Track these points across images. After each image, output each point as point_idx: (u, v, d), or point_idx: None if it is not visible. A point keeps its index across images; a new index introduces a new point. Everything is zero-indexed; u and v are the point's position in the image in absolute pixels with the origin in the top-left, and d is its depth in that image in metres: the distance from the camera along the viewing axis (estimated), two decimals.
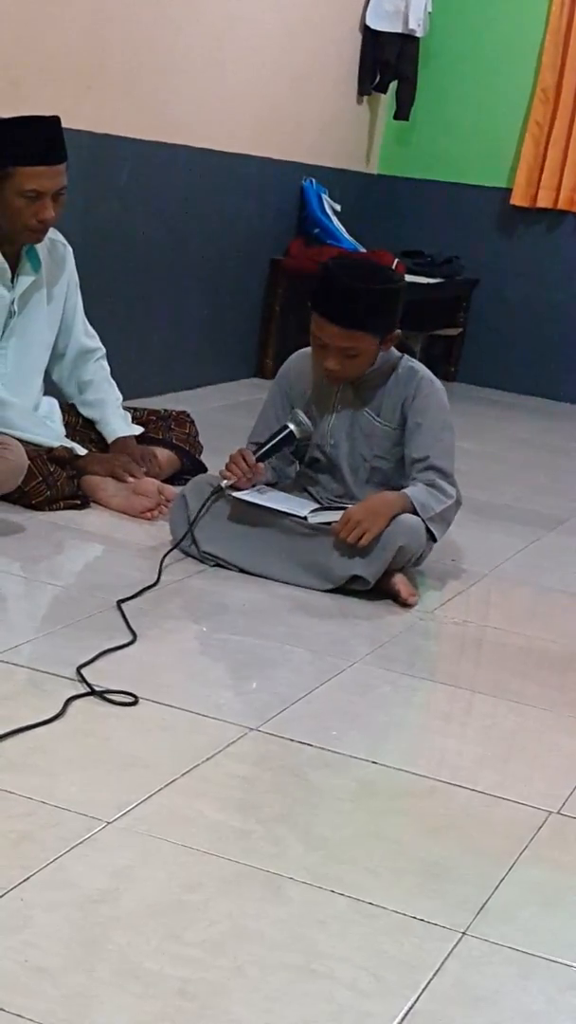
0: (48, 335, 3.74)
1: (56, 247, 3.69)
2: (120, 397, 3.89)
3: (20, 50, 4.21)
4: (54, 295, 3.71)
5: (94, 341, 3.86)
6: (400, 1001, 1.63)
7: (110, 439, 3.80)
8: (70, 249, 3.74)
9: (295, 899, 1.83)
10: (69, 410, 3.87)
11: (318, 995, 1.62)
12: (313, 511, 3.23)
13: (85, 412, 3.87)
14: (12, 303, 3.60)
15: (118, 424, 3.82)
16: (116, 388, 3.88)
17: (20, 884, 1.76)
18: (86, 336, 3.84)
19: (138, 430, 3.85)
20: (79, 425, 3.85)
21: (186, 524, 3.25)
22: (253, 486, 3.27)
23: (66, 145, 3.47)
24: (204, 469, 3.83)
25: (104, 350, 3.89)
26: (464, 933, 1.79)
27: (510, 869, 1.98)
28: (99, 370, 3.86)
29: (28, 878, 1.77)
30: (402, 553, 3.12)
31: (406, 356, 3.32)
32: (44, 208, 3.44)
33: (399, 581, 3.14)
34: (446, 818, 2.13)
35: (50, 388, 3.84)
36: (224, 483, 3.24)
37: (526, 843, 2.06)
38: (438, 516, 3.21)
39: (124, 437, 3.79)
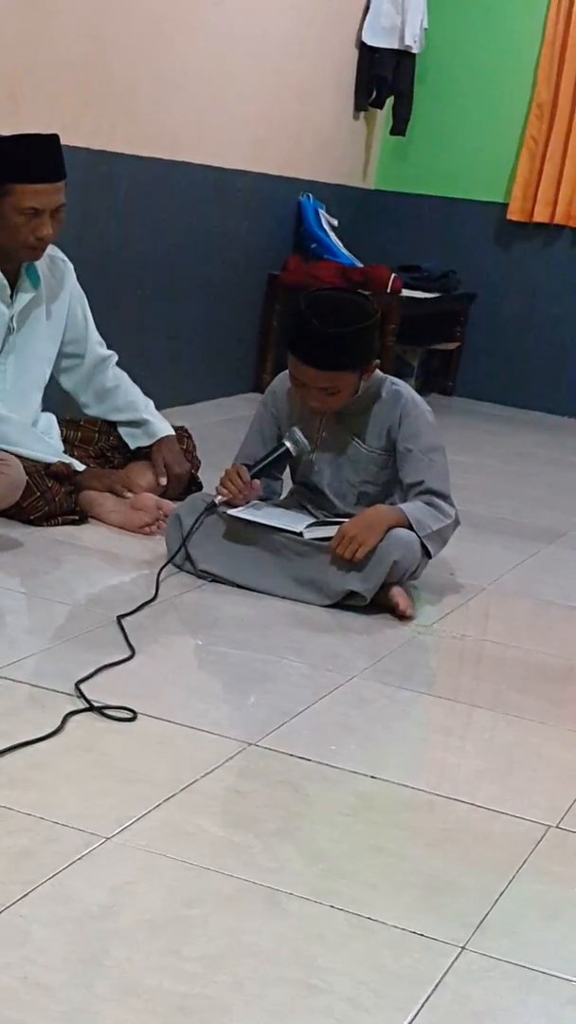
0: (48, 351, 3.74)
1: (56, 263, 3.70)
2: (150, 400, 3.91)
3: (18, 66, 4.23)
4: (53, 311, 3.72)
5: (104, 349, 3.88)
6: (400, 1016, 1.63)
7: (154, 438, 3.82)
8: (70, 265, 3.75)
9: (294, 914, 1.83)
10: (67, 425, 3.88)
11: (318, 1010, 1.62)
12: (308, 526, 3.23)
13: (114, 418, 3.88)
14: (11, 320, 3.60)
15: (160, 424, 3.86)
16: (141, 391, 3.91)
17: (19, 900, 1.75)
18: (99, 346, 3.86)
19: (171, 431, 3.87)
20: (77, 440, 3.86)
21: (180, 541, 3.25)
22: (247, 503, 3.27)
23: (65, 162, 3.48)
24: (200, 485, 3.83)
25: (116, 356, 3.90)
26: (463, 948, 1.78)
27: (509, 883, 1.98)
28: (121, 374, 3.89)
29: (27, 894, 1.77)
30: (397, 567, 3.13)
31: (390, 378, 3.31)
32: (43, 225, 3.45)
33: (397, 593, 3.14)
34: (445, 832, 2.13)
35: (49, 403, 3.84)
36: (218, 499, 3.24)
37: (525, 857, 2.06)
38: (435, 534, 3.21)
39: (170, 437, 3.83)
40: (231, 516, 3.23)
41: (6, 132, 3.63)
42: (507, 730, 2.60)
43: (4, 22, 4.13)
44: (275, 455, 3.31)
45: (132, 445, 3.87)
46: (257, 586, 3.20)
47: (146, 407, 3.89)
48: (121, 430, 3.89)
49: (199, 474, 3.94)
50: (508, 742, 2.55)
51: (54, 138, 3.48)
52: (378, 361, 3.23)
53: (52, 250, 3.64)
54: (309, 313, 3.08)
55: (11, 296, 3.60)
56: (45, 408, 3.81)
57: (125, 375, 3.91)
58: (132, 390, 3.89)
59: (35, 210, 3.42)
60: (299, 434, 3.30)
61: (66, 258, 3.74)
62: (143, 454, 3.87)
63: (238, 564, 3.21)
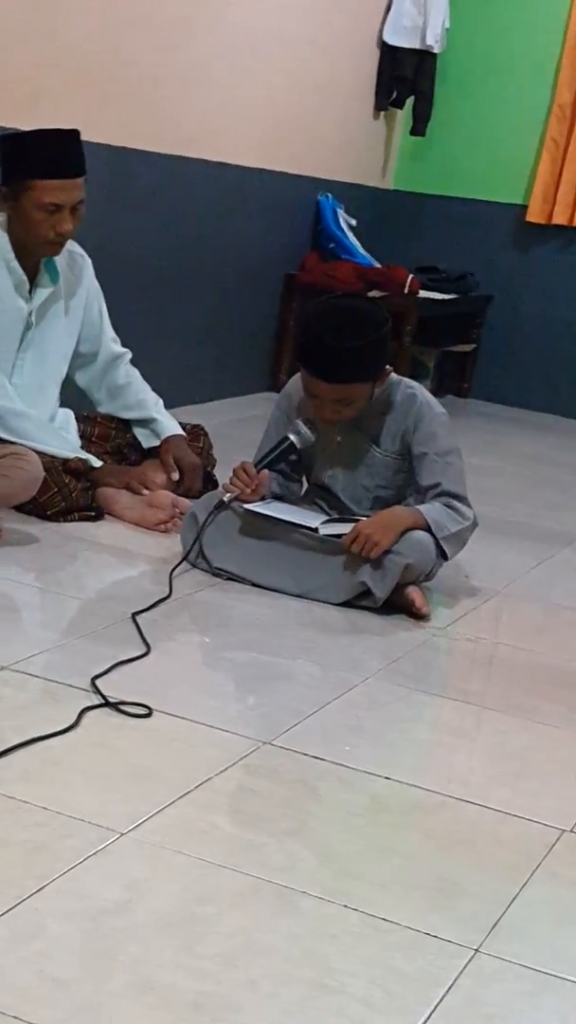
0: (66, 346, 3.75)
1: (75, 259, 3.71)
2: (159, 398, 3.91)
3: (39, 63, 4.23)
4: (72, 307, 3.73)
5: (119, 346, 3.88)
6: (413, 1017, 1.63)
7: (162, 436, 3.82)
8: (89, 260, 3.76)
9: (307, 913, 1.83)
10: (85, 421, 3.88)
11: (331, 1010, 1.62)
12: (324, 523, 3.24)
13: (125, 415, 3.88)
14: (30, 315, 3.61)
15: (168, 422, 3.85)
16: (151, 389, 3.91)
17: (35, 894, 1.76)
18: (113, 343, 3.86)
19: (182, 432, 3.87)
20: (94, 436, 3.86)
21: (197, 540, 3.25)
22: (261, 498, 3.28)
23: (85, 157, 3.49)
24: (216, 483, 3.84)
25: (130, 353, 3.91)
26: (477, 950, 1.79)
27: (523, 887, 1.98)
28: (133, 372, 3.89)
29: (42, 888, 1.78)
30: (410, 570, 3.13)
31: (404, 381, 3.31)
32: (62, 221, 3.45)
33: (412, 591, 3.14)
34: (458, 834, 2.13)
35: (67, 399, 3.85)
36: (227, 497, 3.25)
37: (539, 860, 2.06)
38: (453, 536, 3.21)
39: (177, 435, 3.82)
40: (247, 510, 3.23)
41: (26, 128, 3.64)
42: (520, 733, 2.59)
43: (24, 20, 4.14)
44: (280, 448, 3.32)
45: (145, 445, 3.87)
46: (271, 584, 3.20)
47: (156, 405, 3.89)
48: (135, 430, 3.89)
49: (215, 472, 3.94)
50: (521, 745, 2.55)
51: (75, 133, 3.49)
52: (391, 368, 3.22)
53: (71, 245, 3.65)
54: (320, 327, 3.07)
55: (30, 291, 3.60)
56: (62, 404, 3.82)
57: (137, 373, 3.91)
58: (142, 388, 3.89)
59: (55, 206, 3.43)
60: (303, 426, 3.30)
61: (84, 253, 3.75)
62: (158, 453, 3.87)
63: (253, 562, 3.22)
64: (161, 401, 3.93)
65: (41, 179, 3.41)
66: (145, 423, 3.87)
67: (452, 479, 3.25)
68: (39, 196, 3.42)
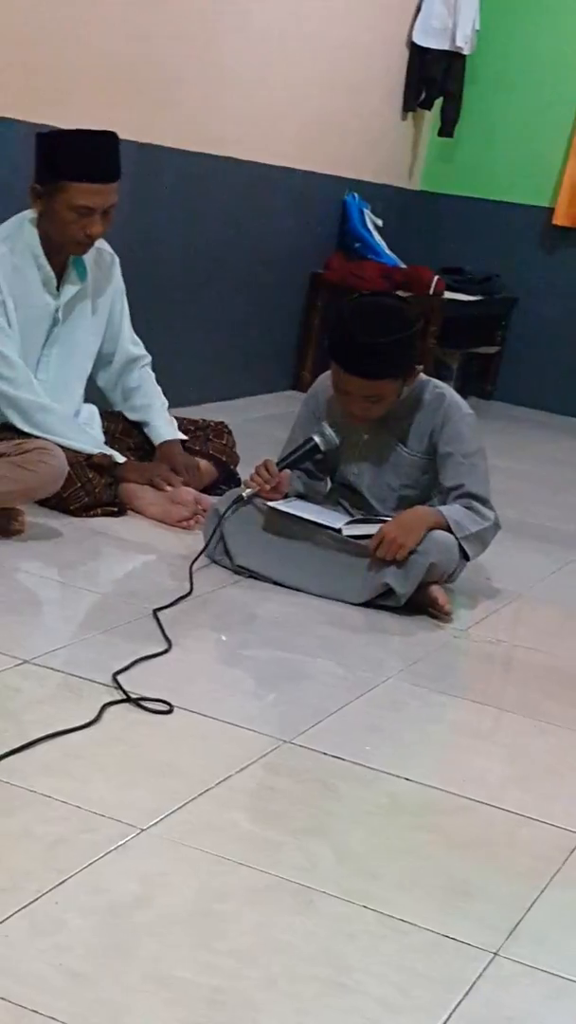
0: (91, 344, 3.76)
1: (103, 256, 3.72)
2: (166, 403, 3.92)
3: (67, 60, 4.24)
4: (99, 305, 3.73)
5: (139, 349, 3.89)
6: (431, 1019, 1.63)
7: (157, 442, 3.82)
8: (117, 259, 3.76)
9: (325, 912, 1.83)
10: (109, 417, 3.89)
11: (348, 1009, 1.63)
12: (348, 523, 3.24)
13: (131, 416, 3.89)
14: (57, 311, 3.62)
15: (164, 428, 3.85)
16: (162, 394, 3.91)
17: (55, 888, 1.77)
18: (132, 344, 3.87)
19: (183, 436, 3.86)
20: (118, 432, 3.87)
21: (219, 536, 3.26)
22: (284, 496, 3.28)
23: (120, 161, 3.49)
24: (238, 480, 3.84)
25: (149, 357, 3.91)
26: (496, 953, 1.78)
27: (542, 891, 1.97)
28: (145, 376, 3.89)
29: (63, 882, 1.78)
30: (434, 569, 3.13)
31: (432, 381, 3.31)
32: (93, 224, 3.46)
33: (435, 590, 3.14)
34: (477, 836, 2.13)
35: (91, 395, 3.86)
36: (246, 492, 3.25)
37: (558, 865, 2.06)
38: (474, 536, 3.20)
39: (170, 441, 3.81)
40: (271, 508, 3.24)
41: (54, 124, 3.65)
42: (540, 737, 2.59)
43: (54, 17, 4.15)
44: (304, 449, 3.32)
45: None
46: (293, 582, 3.20)
47: (155, 410, 3.87)
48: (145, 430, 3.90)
49: (237, 470, 3.94)
50: (540, 748, 2.54)
51: (112, 137, 3.48)
52: (421, 367, 3.23)
53: (100, 243, 3.65)
54: (352, 323, 3.08)
55: (57, 288, 3.61)
56: (87, 400, 3.83)
57: (150, 378, 3.90)
58: (151, 392, 3.88)
59: (87, 209, 3.43)
60: (328, 429, 3.30)
61: (113, 252, 3.75)
62: (186, 449, 3.87)
63: (275, 559, 3.22)
64: (166, 404, 3.91)
65: (75, 181, 3.41)
66: (144, 426, 3.87)
67: (476, 481, 3.25)
68: (72, 198, 3.42)
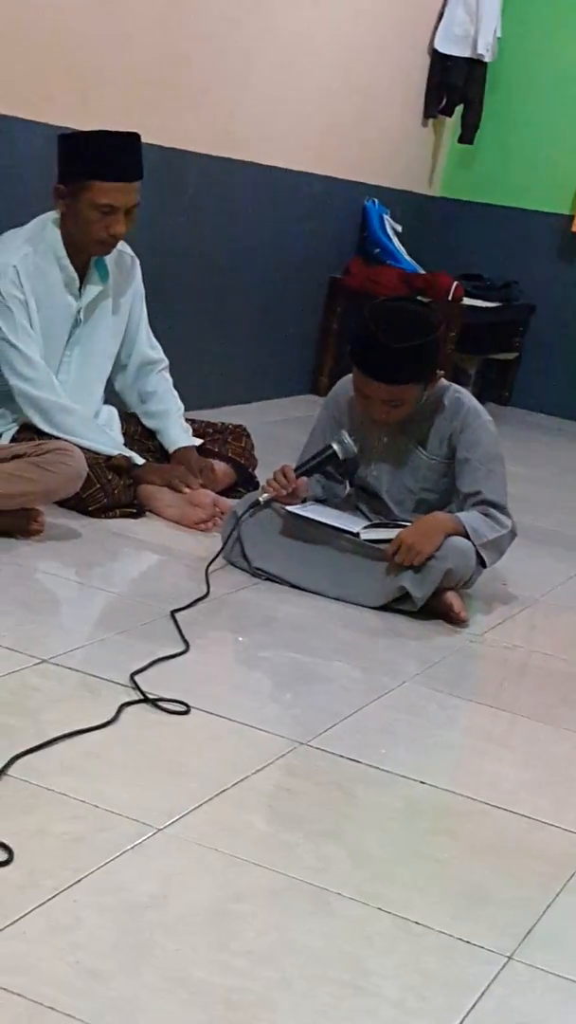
0: (112, 345, 3.78)
1: (124, 258, 3.73)
2: (182, 408, 3.92)
3: (91, 63, 4.26)
4: (119, 306, 3.75)
5: (157, 353, 3.90)
6: (445, 1023, 1.63)
7: (170, 449, 3.84)
8: (137, 261, 3.78)
9: (341, 914, 1.84)
10: (128, 419, 3.90)
11: (363, 1011, 1.63)
12: (365, 527, 3.25)
13: (147, 422, 3.90)
14: (78, 312, 3.64)
15: (178, 435, 3.85)
16: (178, 399, 3.92)
17: (72, 886, 1.78)
18: (149, 348, 3.88)
19: (197, 442, 3.87)
20: (137, 435, 3.88)
21: (236, 539, 3.27)
22: (302, 501, 3.29)
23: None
24: (256, 483, 3.85)
25: (167, 362, 3.92)
26: (510, 958, 1.79)
27: (557, 895, 1.98)
28: (162, 381, 3.90)
29: (80, 880, 1.79)
30: (451, 575, 3.13)
31: (453, 386, 3.32)
32: (116, 223, 3.47)
33: (451, 596, 3.15)
34: (492, 841, 2.13)
35: (110, 397, 3.87)
36: (263, 497, 3.26)
37: (574, 870, 2.05)
38: (491, 543, 3.21)
39: (184, 448, 3.82)
40: (288, 512, 3.24)
41: (78, 127, 3.66)
42: (555, 742, 2.59)
43: (79, 21, 4.17)
44: (321, 457, 3.33)
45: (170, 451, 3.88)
46: (310, 585, 3.21)
47: (171, 416, 3.87)
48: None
49: (255, 473, 3.95)
50: (556, 754, 2.55)
51: (135, 137, 3.51)
52: (442, 372, 3.23)
53: (121, 246, 3.67)
54: (375, 328, 3.09)
55: (79, 289, 3.63)
56: (107, 402, 3.84)
57: (167, 384, 3.90)
58: (167, 399, 3.89)
59: (110, 207, 3.45)
60: (347, 438, 3.31)
61: (134, 255, 3.77)
62: (204, 451, 3.88)
63: (292, 562, 3.23)
64: (182, 410, 3.92)
65: (99, 180, 3.43)
66: (158, 433, 3.88)
67: (493, 488, 3.25)
68: (95, 196, 3.44)
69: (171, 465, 3.76)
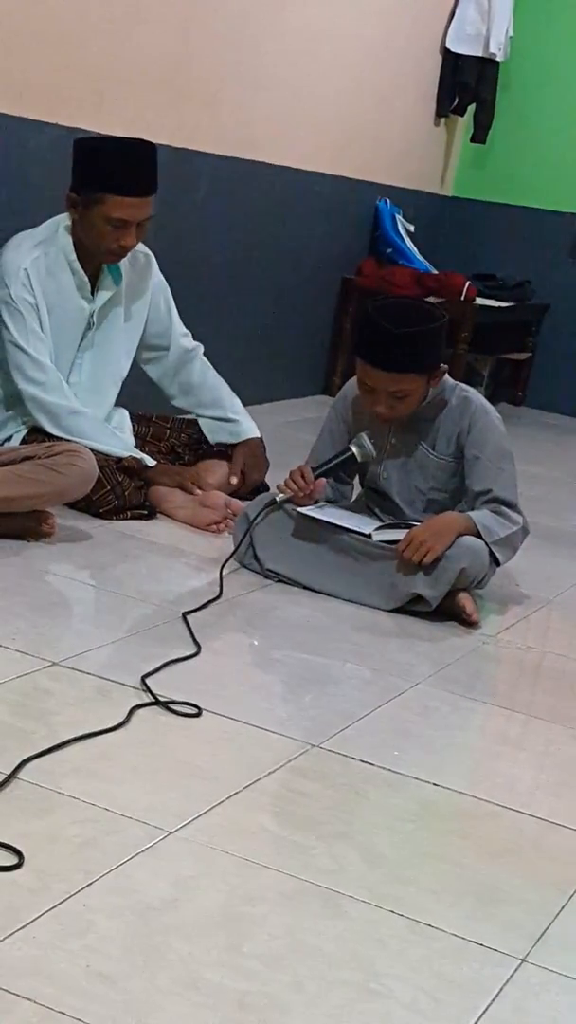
0: (125, 349, 3.77)
1: (137, 258, 3.71)
2: (232, 393, 3.92)
3: (104, 63, 4.26)
4: (134, 310, 3.74)
5: (190, 341, 3.89)
6: None
7: (239, 438, 3.84)
8: (152, 257, 3.76)
9: (354, 917, 1.83)
10: (139, 421, 3.90)
11: (376, 1014, 1.62)
12: (377, 528, 3.24)
13: (202, 412, 3.89)
14: (91, 315, 3.63)
15: (246, 423, 3.88)
16: (225, 383, 3.91)
17: (83, 889, 1.77)
18: (183, 336, 3.88)
19: (257, 433, 3.88)
20: (148, 436, 3.88)
21: (249, 541, 3.27)
22: (315, 503, 3.29)
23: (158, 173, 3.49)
24: (267, 486, 3.84)
25: (202, 347, 3.92)
26: (523, 960, 1.78)
27: (571, 897, 1.97)
28: (205, 369, 3.90)
29: (91, 883, 1.79)
30: (464, 575, 3.12)
31: (459, 385, 3.31)
32: (127, 236, 3.47)
33: (464, 598, 3.14)
34: (506, 843, 2.12)
35: (121, 399, 3.87)
36: (279, 497, 3.26)
37: None
38: (503, 541, 3.20)
39: (256, 439, 3.83)
40: (300, 514, 3.24)
41: (90, 128, 3.65)
42: (570, 743, 2.58)
43: (92, 21, 4.17)
44: (340, 458, 3.32)
45: (212, 440, 3.88)
46: (322, 587, 3.20)
47: (232, 406, 3.90)
48: (202, 423, 3.90)
49: (267, 475, 3.95)
50: (570, 755, 2.53)
51: (150, 149, 3.49)
52: (446, 367, 3.22)
53: None
54: (377, 316, 3.10)
55: (92, 293, 3.62)
56: (118, 403, 3.84)
57: (211, 370, 3.91)
58: (217, 385, 3.90)
59: (123, 221, 3.44)
60: (366, 440, 3.30)
61: (148, 251, 3.75)
62: (215, 452, 3.88)
63: (304, 564, 3.22)
64: (237, 400, 3.93)
65: (113, 194, 3.41)
66: (221, 421, 3.87)
67: (504, 485, 3.24)
68: (108, 210, 3.43)
69: (182, 466, 3.76)
